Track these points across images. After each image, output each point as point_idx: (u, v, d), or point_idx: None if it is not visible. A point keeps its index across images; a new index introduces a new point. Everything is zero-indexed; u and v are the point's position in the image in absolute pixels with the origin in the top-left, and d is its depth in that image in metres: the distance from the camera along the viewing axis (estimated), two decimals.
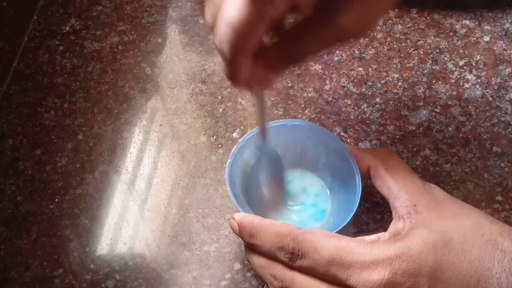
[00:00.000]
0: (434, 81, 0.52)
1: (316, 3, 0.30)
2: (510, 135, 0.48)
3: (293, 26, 0.32)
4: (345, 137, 0.50)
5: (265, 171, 0.43)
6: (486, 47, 0.54)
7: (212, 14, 0.30)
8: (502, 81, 0.52)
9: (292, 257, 0.33)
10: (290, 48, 0.32)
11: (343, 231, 0.36)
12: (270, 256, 0.35)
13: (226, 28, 0.29)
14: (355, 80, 0.53)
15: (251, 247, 0.36)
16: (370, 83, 0.53)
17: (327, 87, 0.53)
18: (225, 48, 0.29)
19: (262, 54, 0.32)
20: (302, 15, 0.31)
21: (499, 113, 0.50)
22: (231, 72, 0.31)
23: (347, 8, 0.29)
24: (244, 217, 0.37)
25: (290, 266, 0.34)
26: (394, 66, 0.54)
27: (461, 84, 0.52)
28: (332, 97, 0.52)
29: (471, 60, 0.53)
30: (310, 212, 0.44)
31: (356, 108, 0.51)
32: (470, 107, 0.50)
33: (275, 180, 0.44)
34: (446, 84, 0.52)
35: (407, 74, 0.53)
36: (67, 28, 0.61)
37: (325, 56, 0.55)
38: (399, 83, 0.52)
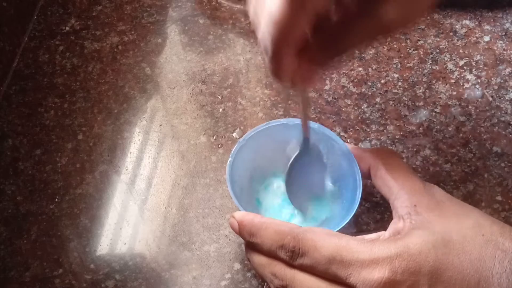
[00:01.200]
0: (434, 81, 0.52)
1: None
2: (510, 135, 0.48)
3: (336, 19, 0.31)
4: (345, 137, 0.50)
5: (306, 168, 0.43)
6: (486, 47, 0.54)
7: (255, 12, 0.30)
8: (502, 81, 0.52)
9: (293, 256, 0.33)
10: (333, 42, 0.31)
11: (343, 231, 0.36)
12: (271, 254, 0.35)
13: (269, 23, 0.28)
14: (355, 80, 0.53)
15: (252, 246, 0.36)
16: (370, 83, 0.53)
17: (327, 87, 0.53)
18: (268, 43, 0.29)
19: (306, 50, 0.31)
20: (345, 8, 0.31)
21: (499, 113, 0.50)
22: (275, 68, 0.31)
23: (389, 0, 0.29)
24: (244, 215, 0.37)
25: (290, 264, 0.34)
26: (394, 66, 0.54)
27: (461, 84, 0.52)
28: (332, 97, 0.52)
29: (471, 60, 0.53)
30: (310, 211, 0.44)
31: (356, 108, 0.51)
32: (470, 107, 0.50)
33: (316, 179, 0.44)
34: (446, 84, 0.52)
35: (407, 74, 0.53)
36: (67, 28, 0.61)
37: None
38: (399, 83, 0.53)
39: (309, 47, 0.32)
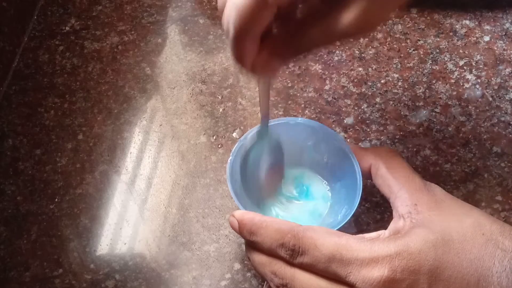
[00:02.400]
0: (434, 81, 0.52)
1: None
2: (510, 135, 0.48)
3: (300, 17, 0.32)
4: (345, 137, 0.50)
5: (264, 157, 0.43)
6: (486, 47, 0.54)
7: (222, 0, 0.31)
8: (502, 81, 0.52)
9: (293, 254, 0.33)
10: (295, 38, 0.32)
11: (343, 230, 0.35)
12: (271, 253, 0.35)
13: (232, 10, 0.30)
14: (355, 80, 0.53)
15: (252, 245, 0.36)
16: (370, 83, 0.53)
17: (327, 87, 0.53)
18: (230, 27, 0.30)
19: (268, 41, 0.32)
20: (310, 6, 0.32)
21: (499, 113, 0.50)
22: (236, 53, 0.32)
23: (349, 5, 0.29)
24: (244, 214, 0.37)
25: (290, 263, 0.34)
26: (394, 66, 0.54)
27: (461, 84, 0.52)
28: (332, 97, 0.52)
29: (471, 60, 0.53)
30: (311, 210, 0.44)
31: (356, 108, 0.51)
32: (470, 107, 0.50)
33: (274, 166, 0.44)
34: (446, 84, 0.52)
35: (407, 74, 0.53)
36: (67, 28, 0.61)
37: (325, 56, 0.55)
38: (399, 83, 0.53)
39: (271, 38, 0.33)
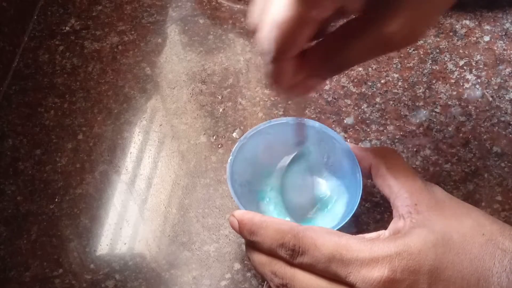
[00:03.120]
0: (434, 81, 0.52)
1: (364, 7, 0.29)
2: (510, 135, 0.48)
3: (338, 29, 0.31)
4: (345, 137, 0.50)
5: (298, 174, 0.43)
6: (486, 47, 0.54)
7: (257, 13, 0.30)
8: (502, 81, 0.52)
9: (293, 254, 0.33)
10: (334, 54, 0.31)
11: (343, 231, 0.36)
12: (271, 253, 0.35)
13: (272, 28, 0.28)
14: (355, 80, 0.53)
15: (252, 245, 0.36)
16: (370, 83, 0.53)
17: (327, 87, 0.53)
18: (270, 47, 0.29)
19: (307, 59, 0.31)
20: (349, 19, 0.30)
21: (499, 113, 0.50)
22: (275, 74, 0.31)
23: (395, 13, 0.28)
24: (244, 214, 0.37)
25: (290, 263, 0.34)
26: (394, 66, 0.54)
27: (461, 84, 0.52)
28: (332, 97, 0.52)
29: (471, 60, 0.53)
30: (311, 210, 0.44)
31: (356, 108, 0.51)
32: (470, 107, 0.50)
33: (305, 184, 0.44)
34: (446, 84, 0.52)
35: (407, 74, 0.53)
36: (67, 28, 0.61)
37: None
38: (399, 83, 0.53)
39: (309, 56, 0.31)
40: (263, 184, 0.45)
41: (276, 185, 0.45)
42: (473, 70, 0.53)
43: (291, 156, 0.42)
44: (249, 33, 0.58)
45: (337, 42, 0.31)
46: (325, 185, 0.45)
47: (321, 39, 0.32)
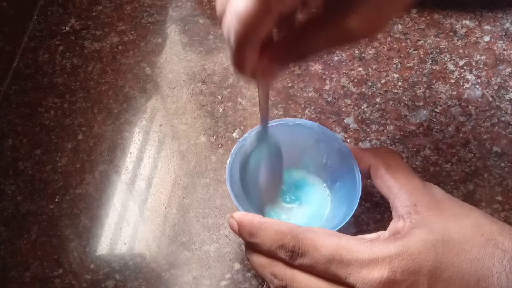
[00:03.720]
0: (434, 81, 0.52)
1: (326, 2, 0.30)
2: (510, 135, 0.48)
3: (302, 22, 0.32)
4: (345, 137, 0.50)
5: (264, 161, 0.43)
6: (486, 47, 0.54)
7: (222, 5, 0.31)
8: (502, 81, 0.52)
9: (293, 255, 0.33)
10: (297, 43, 0.32)
11: (343, 231, 0.36)
12: (270, 254, 0.35)
13: (233, 18, 0.29)
14: (355, 80, 0.53)
15: (251, 246, 0.36)
16: (370, 83, 0.53)
17: (327, 87, 0.53)
18: (231, 38, 0.30)
19: (269, 47, 0.32)
20: (312, 11, 0.31)
21: (499, 113, 0.50)
22: (237, 62, 0.32)
23: (355, 8, 0.29)
24: (244, 215, 0.36)
25: (290, 264, 0.34)
26: (394, 66, 0.54)
27: (461, 84, 0.52)
28: (332, 97, 0.52)
29: (471, 60, 0.53)
30: (310, 211, 0.44)
31: (356, 108, 0.51)
32: (470, 107, 0.50)
33: (273, 171, 0.44)
34: (446, 84, 0.52)
35: (407, 74, 0.53)
36: (67, 28, 0.61)
37: (325, 56, 0.55)
38: (399, 83, 0.53)
39: (272, 44, 0.32)
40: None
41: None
42: (473, 70, 0.53)
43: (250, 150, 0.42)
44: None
45: (301, 33, 0.32)
46: (324, 186, 0.45)
47: (285, 32, 0.33)
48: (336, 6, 0.30)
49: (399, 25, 0.56)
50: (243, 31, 0.29)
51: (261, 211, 0.43)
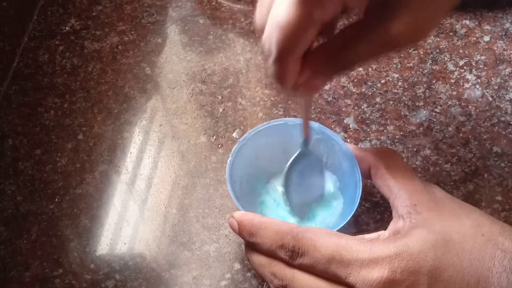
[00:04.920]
0: (434, 81, 0.52)
1: (367, 7, 0.29)
2: (510, 135, 0.48)
3: (343, 30, 0.31)
4: (345, 137, 0.50)
5: (305, 170, 0.43)
6: (486, 47, 0.54)
7: (262, 15, 0.30)
8: (502, 81, 0.52)
9: (293, 255, 0.33)
10: (338, 53, 0.31)
11: (343, 231, 0.36)
12: (270, 254, 0.35)
13: (275, 28, 0.28)
14: (355, 80, 0.53)
15: (251, 246, 0.36)
16: (370, 83, 0.53)
17: (327, 87, 0.53)
18: (273, 47, 0.29)
19: (311, 59, 0.31)
20: (353, 18, 0.30)
21: (499, 113, 0.50)
22: (279, 74, 0.31)
23: (398, 13, 0.28)
24: (244, 215, 0.37)
25: (290, 264, 0.34)
26: (394, 66, 0.54)
27: (461, 84, 0.52)
28: (332, 97, 0.52)
29: (471, 60, 0.53)
30: (310, 211, 0.44)
31: (356, 108, 0.51)
32: (470, 107, 0.50)
33: (312, 181, 0.44)
34: (446, 84, 0.52)
35: (407, 74, 0.53)
36: (67, 28, 0.61)
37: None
38: (399, 83, 0.53)
39: (314, 55, 0.32)
40: (263, 185, 0.45)
41: (276, 185, 0.45)
42: (473, 70, 0.53)
43: (293, 156, 0.42)
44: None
45: (342, 42, 0.31)
46: (324, 186, 0.45)
47: (326, 40, 0.32)
48: (379, 11, 0.29)
49: None
50: (285, 43, 0.28)
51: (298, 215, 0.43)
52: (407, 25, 0.28)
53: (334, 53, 0.31)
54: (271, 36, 0.29)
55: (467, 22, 0.56)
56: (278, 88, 0.32)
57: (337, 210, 0.43)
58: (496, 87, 0.51)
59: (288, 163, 0.42)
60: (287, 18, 0.28)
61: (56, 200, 0.49)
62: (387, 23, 0.28)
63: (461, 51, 0.54)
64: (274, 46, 0.29)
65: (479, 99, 0.51)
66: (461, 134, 0.49)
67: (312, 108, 0.52)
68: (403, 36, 0.29)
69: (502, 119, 0.49)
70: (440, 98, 0.51)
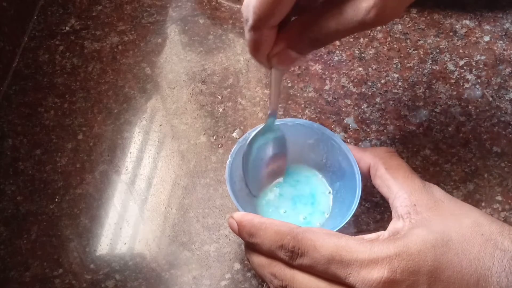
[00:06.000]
0: (434, 81, 0.52)
1: None
2: (510, 135, 0.48)
3: (317, 5, 0.32)
4: (345, 137, 0.50)
5: (268, 148, 0.43)
6: (486, 47, 0.54)
7: None
8: (502, 81, 0.52)
9: (292, 256, 0.33)
10: (310, 28, 0.32)
11: (343, 231, 0.36)
12: (270, 255, 0.35)
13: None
14: (355, 80, 0.53)
15: (251, 246, 0.36)
16: (370, 83, 0.53)
17: (327, 87, 0.53)
18: (250, 14, 0.30)
19: (286, 31, 0.32)
20: None
21: (499, 113, 0.50)
22: (254, 42, 0.32)
23: None
24: (244, 216, 0.37)
25: (290, 264, 0.34)
26: (394, 66, 0.54)
27: (461, 84, 0.52)
28: (332, 97, 0.52)
29: (471, 60, 0.53)
30: (310, 211, 0.44)
31: (356, 108, 0.51)
32: (470, 107, 0.50)
33: (276, 159, 0.44)
34: (446, 84, 0.52)
35: (407, 74, 0.53)
36: (67, 28, 0.61)
37: (325, 56, 0.55)
38: (399, 83, 0.53)
39: (289, 28, 0.33)
40: (263, 185, 0.45)
41: (276, 185, 0.45)
42: (473, 70, 0.53)
43: (256, 129, 0.42)
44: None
45: (314, 18, 0.32)
46: (324, 186, 0.45)
47: (300, 14, 0.33)
48: None
49: (399, 25, 0.56)
50: (261, 11, 0.29)
51: (256, 192, 0.44)
52: (376, 4, 0.29)
53: (307, 28, 0.32)
54: (248, 4, 0.30)
55: (467, 22, 0.56)
56: (252, 56, 0.33)
57: (337, 210, 0.43)
58: (496, 87, 0.51)
59: (251, 136, 0.42)
60: None
61: (56, 200, 0.49)
62: (354, 3, 0.29)
63: (461, 51, 0.54)
64: (250, 14, 0.30)
65: (479, 99, 0.51)
66: (461, 134, 0.49)
67: (312, 108, 0.52)
68: (372, 15, 0.29)
69: (502, 119, 0.49)
70: (440, 98, 0.51)
